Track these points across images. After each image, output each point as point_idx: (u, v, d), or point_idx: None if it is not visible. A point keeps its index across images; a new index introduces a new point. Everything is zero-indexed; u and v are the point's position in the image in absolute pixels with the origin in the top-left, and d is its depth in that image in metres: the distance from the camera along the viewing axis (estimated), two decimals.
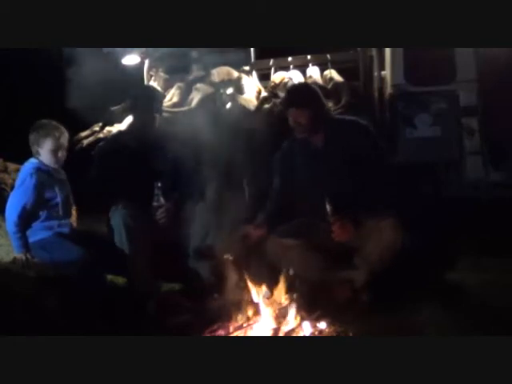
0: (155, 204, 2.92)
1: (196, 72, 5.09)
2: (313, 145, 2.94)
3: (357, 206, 2.75)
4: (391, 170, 2.94)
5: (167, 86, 4.98)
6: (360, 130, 2.92)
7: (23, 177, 2.93)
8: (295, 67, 4.94)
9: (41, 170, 2.94)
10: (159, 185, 2.90)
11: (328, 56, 4.87)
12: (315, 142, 2.94)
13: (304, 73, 4.85)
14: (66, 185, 3.07)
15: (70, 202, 3.08)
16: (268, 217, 2.98)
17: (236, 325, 2.21)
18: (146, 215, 2.91)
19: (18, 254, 2.87)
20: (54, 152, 2.94)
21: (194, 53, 5.19)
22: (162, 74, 5.16)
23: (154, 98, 3.22)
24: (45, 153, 2.94)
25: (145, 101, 3.11)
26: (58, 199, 2.95)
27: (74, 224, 3.13)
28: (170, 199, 2.95)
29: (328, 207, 2.72)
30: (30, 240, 2.91)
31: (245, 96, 4.56)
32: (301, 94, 3.01)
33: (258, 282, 2.35)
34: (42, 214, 2.92)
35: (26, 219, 2.89)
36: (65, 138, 2.99)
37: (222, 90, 4.55)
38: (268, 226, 2.94)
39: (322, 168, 2.89)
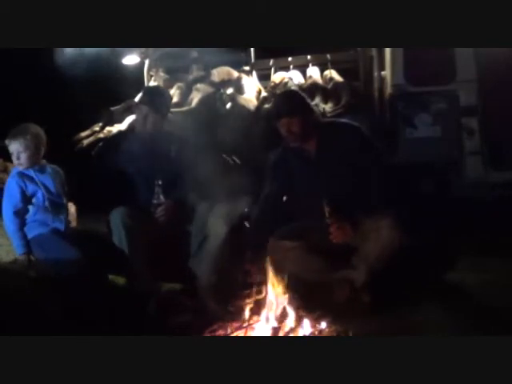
0: (155, 202, 2.90)
1: (196, 72, 5.09)
2: (306, 151, 2.93)
3: (354, 207, 2.75)
4: (387, 170, 2.93)
5: (167, 86, 4.98)
6: (352, 132, 2.90)
7: (8, 179, 3.03)
8: (295, 67, 4.95)
9: (22, 173, 2.97)
10: (159, 182, 2.89)
11: (328, 56, 4.87)
12: (308, 147, 2.92)
13: (304, 73, 4.86)
14: (52, 182, 3.04)
15: (61, 197, 3.08)
16: (257, 221, 2.98)
17: (236, 325, 2.21)
18: (146, 214, 2.91)
19: (21, 255, 2.89)
20: (20, 155, 2.95)
21: (194, 53, 5.19)
22: (162, 74, 5.16)
23: (165, 97, 3.23)
24: (13, 158, 2.98)
25: (156, 100, 3.12)
26: (43, 198, 2.97)
27: (72, 221, 3.16)
28: (170, 197, 2.94)
29: (326, 209, 2.72)
30: (29, 236, 2.93)
31: (245, 96, 4.55)
32: (291, 102, 2.94)
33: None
34: (33, 210, 2.96)
35: (21, 217, 2.94)
36: (29, 141, 2.95)
37: (222, 90, 4.55)
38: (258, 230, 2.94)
39: (317, 173, 2.88)
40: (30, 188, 2.96)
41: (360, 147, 2.84)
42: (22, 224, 2.94)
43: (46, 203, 2.96)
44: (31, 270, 2.81)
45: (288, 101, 2.99)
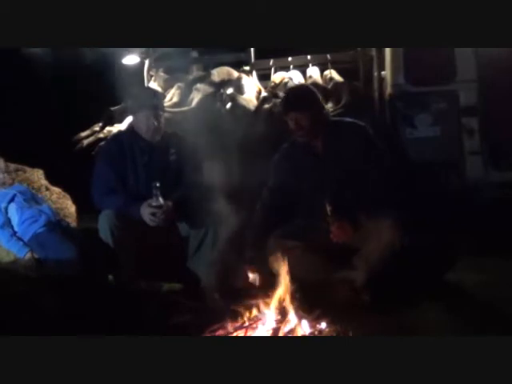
0: (153, 204, 2.87)
1: (196, 72, 5.10)
2: (312, 148, 2.93)
3: (356, 207, 2.75)
4: (390, 170, 2.94)
5: (167, 86, 4.98)
6: (358, 132, 2.91)
7: None
8: (295, 67, 4.95)
9: None
10: (157, 185, 2.86)
11: (328, 56, 4.87)
12: (314, 144, 2.93)
13: (304, 73, 4.86)
14: (20, 186, 3.37)
15: (33, 193, 3.35)
16: (258, 218, 2.98)
17: (236, 325, 2.21)
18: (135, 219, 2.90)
19: (25, 255, 2.93)
20: None
21: (194, 53, 5.19)
22: (162, 74, 5.16)
23: (156, 96, 3.22)
24: None
25: (147, 100, 3.10)
26: (19, 199, 3.17)
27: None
28: (169, 199, 2.93)
29: (327, 208, 2.72)
30: (26, 239, 3.02)
31: (245, 96, 4.56)
32: (301, 96, 2.96)
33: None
34: (18, 212, 3.11)
35: (8, 226, 3.10)
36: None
37: (222, 90, 4.55)
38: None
39: (321, 171, 2.88)
40: (6, 198, 3.13)
41: (365, 147, 2.84)
42: (13, 232, 3.07)
43: (24, 202, 3.15)
44: (36, 268, 2.86)
45: (298, 96, 3.00)
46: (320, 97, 2.98)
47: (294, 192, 2.96)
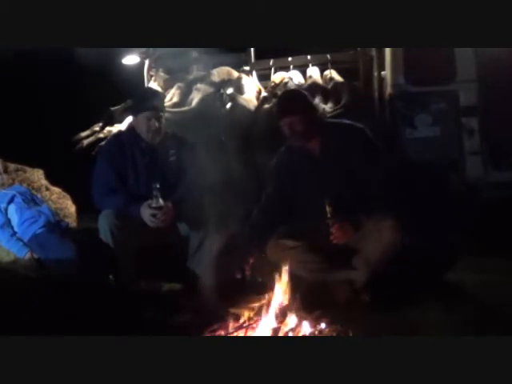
0: (153, 205, 2.87)
1: (196, 72, 5.09)
2: (309, 151, 2.93)
3: (356, 207, 2.75)
4: (389, 170, 2.93)
5: (167, 86, 4.98)
6: (356, 134, 2.91)
7: None
8: (295, 67, 4.95)
9: None
10: (157, 186, 2.86)
11: (328, 56, 4.87)
12: (311, 147, 2.92)
13: (304, 73, 4.86)
14: (19, 187, 3.40)
15: (32, 194, 3.36)
16: (257, 220, 2.98)
17: (236, 325, 2.21)
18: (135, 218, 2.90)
19: (25, 255, 2.93)
20: None
21: (194, 53, 5.19)
22: (162, 74, 5.15)
23: (158, 97, 3.22)
24: None
25: (148, 101, 3.09)
26: (19, 200, 3.18)
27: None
28: (168, 199, 2.92)
29: (327, 209, 2.72)
30: (26, 240, 3.03)
31: (245, 96, 4.55)
32: (292, 100, 2.96)
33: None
34: (18, 212, 3.11)
35: (8, 226, 3.11)
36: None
37: (222, 90, 4.55)
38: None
39: (319, 173, 2.88)
40: (6, 199, 3.14)
41: (363, 149, 2.84)
42: (13, 232, 3.07)
43: (23, 203, 3.15)
44: (36, 268, 2.86)
45: (289, 100, 3.00)
46: (311, 99, 2.98)
47: (293, 195, 2.96)
